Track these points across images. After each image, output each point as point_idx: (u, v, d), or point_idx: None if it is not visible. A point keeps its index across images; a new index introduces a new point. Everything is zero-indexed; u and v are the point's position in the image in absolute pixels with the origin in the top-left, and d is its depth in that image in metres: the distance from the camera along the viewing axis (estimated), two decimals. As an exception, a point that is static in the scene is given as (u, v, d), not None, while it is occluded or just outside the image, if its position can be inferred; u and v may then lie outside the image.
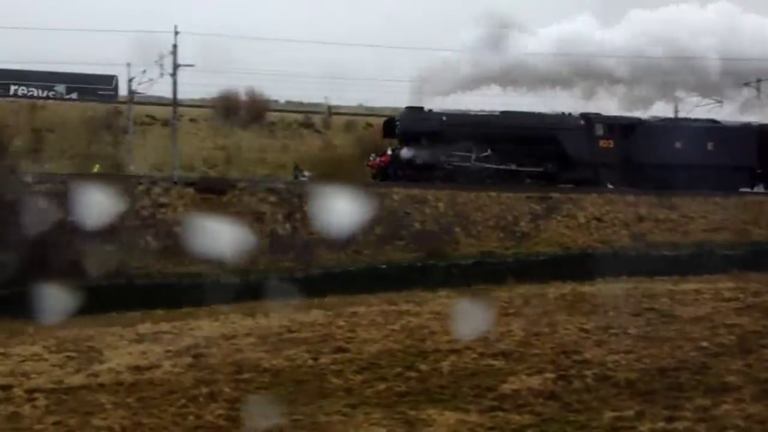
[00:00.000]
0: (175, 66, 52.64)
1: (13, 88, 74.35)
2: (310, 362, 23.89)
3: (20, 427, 20.19)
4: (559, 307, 29.24)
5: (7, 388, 22.42)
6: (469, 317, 27.71)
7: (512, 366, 22.90)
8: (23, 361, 24.99)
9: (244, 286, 40.21)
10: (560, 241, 50.24)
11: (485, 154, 54.59)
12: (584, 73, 60.94)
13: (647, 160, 55.53)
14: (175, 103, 53.77)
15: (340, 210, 45.47)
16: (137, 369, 23.82)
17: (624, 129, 56.70)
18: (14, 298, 35.91)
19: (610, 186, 55.67)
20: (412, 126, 54.60)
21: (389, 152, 55.32)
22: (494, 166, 54.49)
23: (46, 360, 25.07)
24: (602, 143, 56.11)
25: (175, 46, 52.41)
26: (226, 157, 65.63)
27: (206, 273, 44.58)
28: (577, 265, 41.29)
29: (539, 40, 60.01)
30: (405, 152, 54.32)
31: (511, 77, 59.75)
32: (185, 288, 40.79)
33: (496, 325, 26.71)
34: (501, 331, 26.02)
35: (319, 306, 31.56)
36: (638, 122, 57.89)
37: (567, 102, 61.75)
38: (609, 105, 61.72)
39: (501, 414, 19.99)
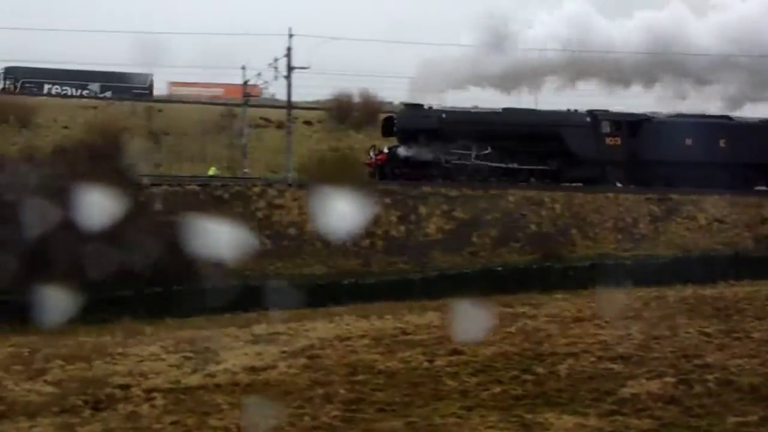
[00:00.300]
0: (289, 68, 53.20)
1: (47, 86, 74.94)
2: (426, 364, 23.90)
3: (139, 426, 20.56)
4: (680, 311, 28.85)
5: (126, 387, 22.85)
6: (586, 320, 27.54)
7: (631, 370, 22.62)
8: (141, 361, 25.46)
9: (358, 287, 40.44)
10: (680, 243, 49.56)
11: (485, 152, 53.83)
12: (674, 69, 59.68)
13: (655, 158, 54.46)
14: (289, 105, 54.33)
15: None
16: (253, 370, 24.09)
17: (631, 126, 55.68)
18: (133, 299, 36.69)
19: (619, 185, 54.76)
20: (409, 123, 53.91)
21: (386, 150, 54.62)
22: (495, 165, 53.67)
23: (164, 360, 25.51)
24: (609, 140, 55.21)
25: (289, 49, 52.98)
26: (340, 159, 65.94)
27: (320, 274, 45.01)
28: (698, 268, 40.62)
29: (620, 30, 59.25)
30: (402, 150, 53.57)
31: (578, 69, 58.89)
32: (299, 289, 41.16)
33: (614, 328, 26.45)
34: (620, 334, 25.74)
35: (434, 308, 31.58)
36: (646, 119, 56.79)
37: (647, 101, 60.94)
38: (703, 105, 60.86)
39: (620, 418, 19.77)
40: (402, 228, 49.43)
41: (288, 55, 53.16)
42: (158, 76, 77.44)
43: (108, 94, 72.55)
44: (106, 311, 35.25)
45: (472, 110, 56.33)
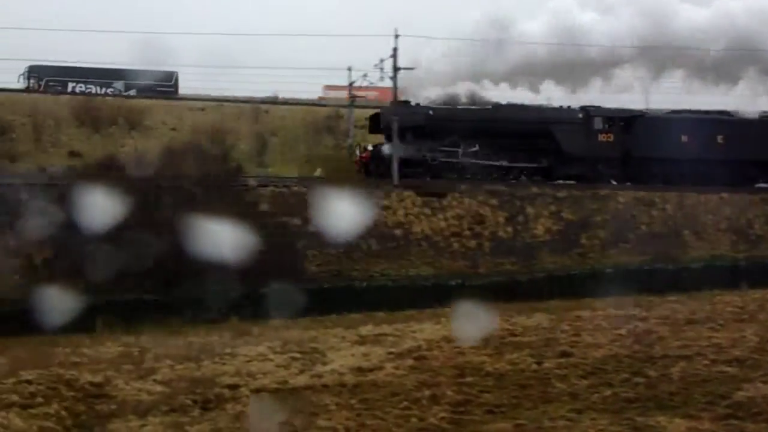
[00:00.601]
0: (395, 69, 53.31)
1: (71, 85, 75.05)
2: (534, 366, 23.81)
3: (247, 426, 20.83)
4: (798, 313, 28.30)
5: (234, 387, 23.15)
6: (699, 322, 27.17)
7: (747, 373, 22.26)
8: (249, 361, 25.76)
9: (465, 289, 40.37)
10: (797, 244, 48.65)
11: (473, 149, 53.05)
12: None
13: (649, 155, 53.57)
14: (395, 105, 54.39)
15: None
16: (360, 370, 24.23)
17: (624, 122, 54.73)
18: (240, 300, 37.11)
19: (614, 182, 53.66)
20: (396, 120, 52.73)
21: (370, 148, 53.93)
22: (483, 162, 52.73)
23: (271, 360, 25.78)
24: (601, 137, 54.28)
25: (395, 49, 53.06)
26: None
27: (426, 275, 45.04)
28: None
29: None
30: (386, 148, 52.60)
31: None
32: (405, 291, 41.25)
33: (728, 330, 26.05)
34: (734, 337, 25.35)
35: (542, 309, 31.42)
36: (639, 115, 55.80)
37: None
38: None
39: (735, 422, 19.44)
40: (509, 229, 49.22)
41: (394, 56, 53.29)
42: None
43: (132, 92, 72.80)
44: (213, 311, 35.83)
45: (462, 107, 54.87)
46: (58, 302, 36.85)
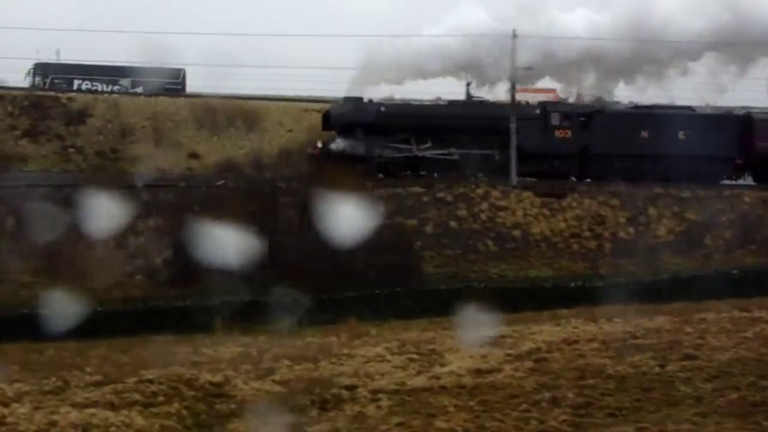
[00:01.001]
0: (514, 69, 53.18)
1: (77, 82, 74.56)
2: (657, 369, 23.48)
3: (365, 427, 20.92)
4: None
5: (352, 388, 23.27)
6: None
7: None
8: (367, 362, 25.87)
9: (585, 290, 40.12)
10: None
11: (426, 145, 52.41)
12: None
13: (607, 151, 52.90)
14: (513, 104, 54.19)
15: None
16: (478, 372, 24.17)
17: (582, 118, 54.11)
18: (357, 300, 37.38)
19: (573, 179, 53.41)
20: (345, 117, 52.80)
21: (319, 144, 53.33)
22: (436, 158, 51.96)
23: (389, 361, 25.85)
24: (558, 133, 53.51)
25: (513, 50, 52.89)
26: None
27: (545, 277, 44.81)
28: None
29: None
30: (335, 144, 52.52)
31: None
32: (524, 292, 41.08)
33: None
34: None
35: (665, 311, 31.00)
36: (597, 111, 55.10)
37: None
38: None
39: None
40: (630, 230, 48.73)
41: (512, 56, 53.12)
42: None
43: (139, 89, 72.56)
44: (330, 312, 36.13)
45: (415, 103, 54.47)
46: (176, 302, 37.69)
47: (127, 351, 29.33)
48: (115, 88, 74.23)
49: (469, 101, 55.43)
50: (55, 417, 21.00)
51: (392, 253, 42.88)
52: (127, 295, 42.52)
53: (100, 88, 72.90)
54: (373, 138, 52.42)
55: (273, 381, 24.18)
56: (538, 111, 54.40)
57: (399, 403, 22.28)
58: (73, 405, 21.90)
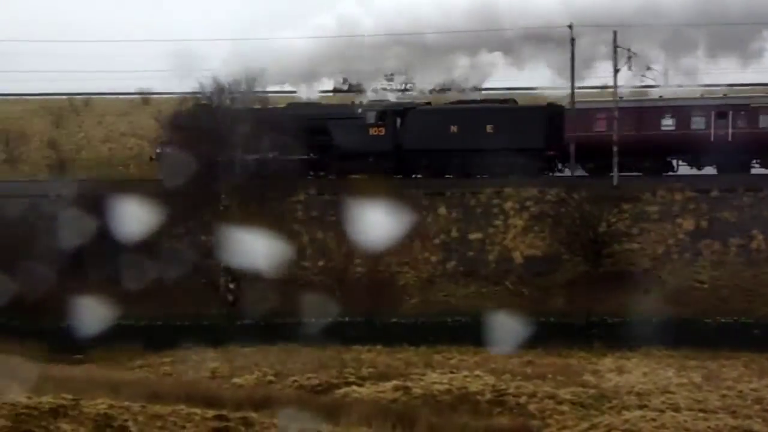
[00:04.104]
0: (615, 71, 53.48)
1: None
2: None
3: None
4: None
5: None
6: None
7: None
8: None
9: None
10: None
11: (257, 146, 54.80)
12: None
13: (418, 147, 56.30)
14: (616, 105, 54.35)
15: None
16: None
17: (396, 115, 57.36)
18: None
19: (397, 176, 56.76)
20: (185, 122, 56.39)
21: (158, 150, 56.57)
22: (264, 159, 54.04)
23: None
24: (373, 131, 56.85)
25: (615, 48, 53.13)
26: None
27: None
28: None
29: None
30: (168, 148, 56.05)
31: None
32: None
33: None
34: None
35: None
36: (410, 107, 58.23)
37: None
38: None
39: None
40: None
41: (614, 56, 53.45)
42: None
43: None
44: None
45: (255, 107, 56.96)
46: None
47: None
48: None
49: (297, 103, 59.43)
50: None
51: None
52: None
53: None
54: (210, 142, 54.37)
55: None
56: (359, 110, 58.09)
57: None
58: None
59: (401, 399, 33.33)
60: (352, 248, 53.93)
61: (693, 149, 54.94)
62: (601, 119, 55.76)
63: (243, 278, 50.79)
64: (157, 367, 42.51)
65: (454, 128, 56.23)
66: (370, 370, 38.56)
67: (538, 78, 63.28)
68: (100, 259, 48.00)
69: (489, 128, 55.91)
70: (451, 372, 37.37)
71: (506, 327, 43.80)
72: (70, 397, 22.52)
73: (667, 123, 55.17)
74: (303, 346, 44.31)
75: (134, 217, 45.38)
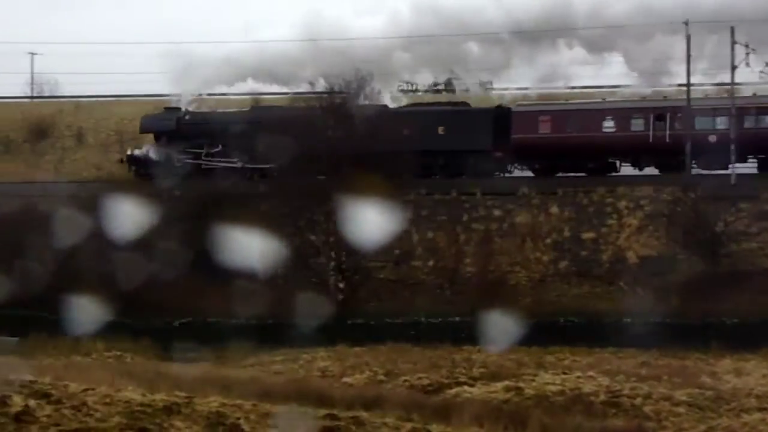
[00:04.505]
0: (733, 68, 52.78)
1: None
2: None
3: None
4: None
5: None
6: None
7: None
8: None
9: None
10: None
11: (215, 150, 57.69)
12: None
13: (375, 149, 54.08)
14: (733, 105, 53.71)
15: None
16: None
17: (352, 117, 57.17)
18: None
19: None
20: (150, 126, 60.54)
21: (128, 151, 60.52)
22: (221, 163, 57.19)
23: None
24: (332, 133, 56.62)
25: (733, 43, 52.57)
26: None
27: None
28: None
29: None
30: (138, 151, 59.57)
31: None
32: None
33: None
34: None
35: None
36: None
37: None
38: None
39: None
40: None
41: (731, 52, 52.90)
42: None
43: None
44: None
45: (219, 111, 59.92)
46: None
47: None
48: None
49: (265, 107, 60.98)
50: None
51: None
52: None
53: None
54: (174, 145, 58.42)
55: None
56: (320, 113, 57.78)
57: None
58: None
59: (513, 399, 33.17)
60: (462, 248, 53.99)
61: (633, 150, 56.48)
62: (545, 121, 56.93)
63: (353, 277, 51.11)
64: (268, 365, 42.78)
65: (407, 131, 56.36)
66: (482, 370, 38.34)
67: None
68: (211, 258, 48.56)
69: (440, 130, 57.18)
70: (564, 373, 37.02)
71: (619, 327, 43.46)
72: (183, 394, 22.76)
73: (609, 125, 56.34)
74: (413, 345, 44.34)
75: (247, 217, 45.85)
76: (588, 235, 53.29)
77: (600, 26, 57.67)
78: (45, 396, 20.70)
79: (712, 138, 54.26)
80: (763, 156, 55.47)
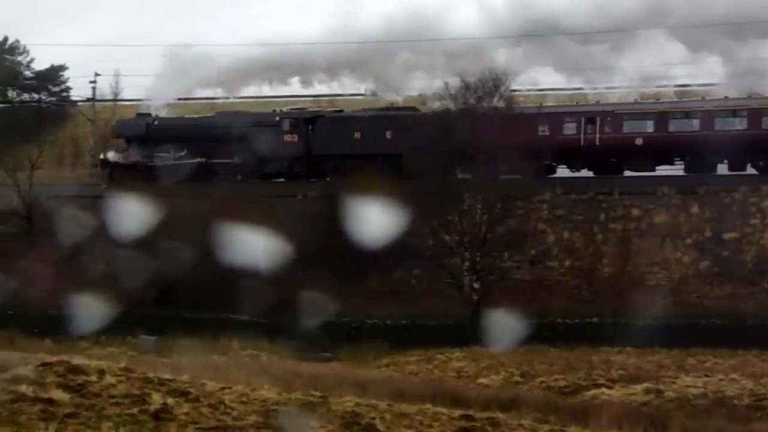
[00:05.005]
0: None
1: None
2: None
3: None
4: None
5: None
6: None
7: None
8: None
9: None
10: None
11: (182, 153, 61.89)
12: None
13: (324, 152, 61.17)
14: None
15: None
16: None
17: (307, 123, 62.41)
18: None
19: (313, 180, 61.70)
20: (123, 130, 66.01)
21: (101, 156, 65.86)
22: (189, 164, 61.15)
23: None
24: (287, 138, 61.65)
25: None
26: None
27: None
28: None
29: None
30: (111, 155, 64.91)
31: None
32: None
33: None
34: None
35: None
36: (319, 115, 63.63)
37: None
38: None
39: None
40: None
41: None
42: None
43: None
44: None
45: (186, 116, 66.07)
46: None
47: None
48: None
49: (231, 112, 65.83)
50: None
51: None
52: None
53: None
54: (142, 149, 63.68)
55: None
56: (277, 118, 63.21)
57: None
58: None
59: (653, 402, 32.67)
60: (599, 248, 53.43)
61: (566, 153, 58.46)
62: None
63: (488, 277, 50.93)
64: (402, 365, 42.89)
65: (357, 134, 60.27)
66: (620, 372, 37.86)
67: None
68: (344, 259, 48.91)
69: (388, 134, 59.63)
70: (706, 375, 36.36)
71: (764, 329, 42.65)
72: (318, 394, 22.90)
73: (543, 129, 58.03)
74: (550, 346, 43.98)
75: (379, 217, 45.88)
76: (730, 235, 52.26)
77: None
78: (183, 394, 20.97)
79: (639, 141, 56.42)
80: (689, 158, 56.81)
